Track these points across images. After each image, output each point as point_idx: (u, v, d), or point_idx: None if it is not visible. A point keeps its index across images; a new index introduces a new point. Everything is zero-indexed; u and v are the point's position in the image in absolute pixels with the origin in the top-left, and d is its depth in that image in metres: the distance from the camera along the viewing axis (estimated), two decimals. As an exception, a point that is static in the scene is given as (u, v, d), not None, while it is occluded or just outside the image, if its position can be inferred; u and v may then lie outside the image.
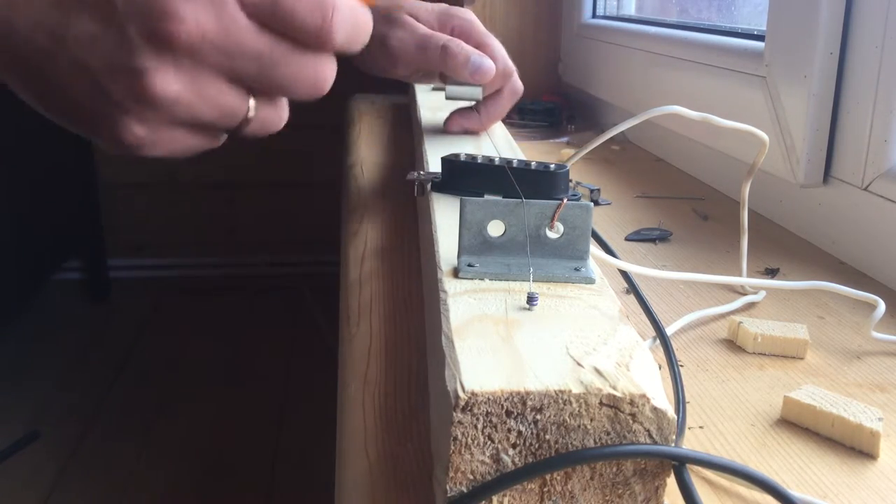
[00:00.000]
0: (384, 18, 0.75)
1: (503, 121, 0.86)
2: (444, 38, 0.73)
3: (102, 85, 0.34)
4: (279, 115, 0.40)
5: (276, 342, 2.22)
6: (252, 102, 0.38)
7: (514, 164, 0.54)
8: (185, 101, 0.35)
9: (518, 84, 0.79)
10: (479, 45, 0.75)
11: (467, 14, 0.78)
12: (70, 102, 0.36)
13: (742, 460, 0.40)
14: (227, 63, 0.35)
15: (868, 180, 0.65)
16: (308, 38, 0.36)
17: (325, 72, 0.38)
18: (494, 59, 0.74)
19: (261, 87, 0.37)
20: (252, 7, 0.35)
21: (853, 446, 0.41)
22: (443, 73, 0.74)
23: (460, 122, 0.78)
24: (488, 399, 0.29)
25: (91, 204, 2.43)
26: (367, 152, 0.99)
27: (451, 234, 0.43)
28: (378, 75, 0.79)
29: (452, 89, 0.75)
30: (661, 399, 0.30)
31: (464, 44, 0.72)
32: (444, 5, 0.79)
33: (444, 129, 0.78)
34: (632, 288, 0.52)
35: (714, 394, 0.47)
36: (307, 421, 1.81)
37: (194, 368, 2.07)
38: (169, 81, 0.34)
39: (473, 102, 0.77)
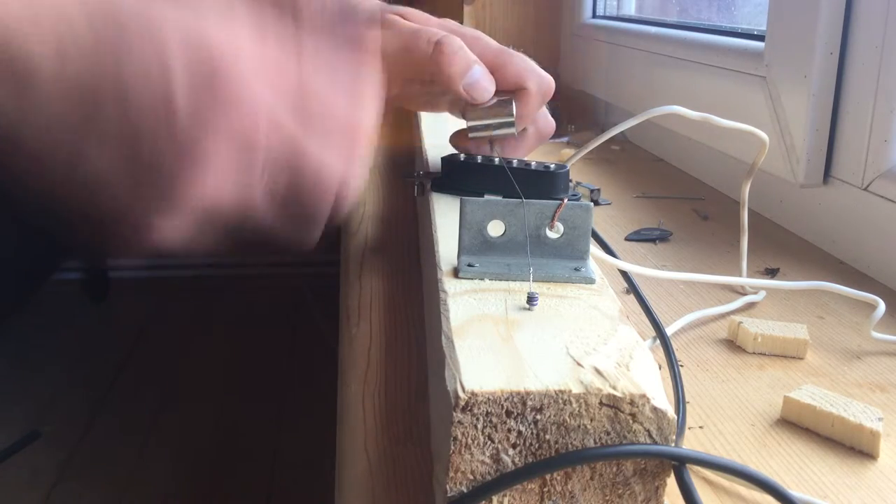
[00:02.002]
0: (365, 20, 0.56)
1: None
2: (438, 33, 0.55)
3: (103, 218, 0.33)
4: (259, 252, 0.41)
5: (276, 342, 2.22)
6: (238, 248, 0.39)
7: (514, 164, 0.54)
8: (179, 246, 0.35)
9: (549, 123, 0.62)
10: (499, 65, 0.57)
11: (476, 32, 0.60)
12: (68, 230, 0.35)
13: (742, 460, 0.40)
14: (232, 223, 0.35)
15: (868, 180, 0.65)
16: (313, 215, 0.37)
17: (314, 236, 0.39)
18: (523, 77, 0.57)
19: (253, 241, 0.38)
20: (273, 180, 0.35)
21: (853, 446, 0.41)
22: (442, 86, 0.56)
23: (513, 154, 0.60)
24: (488, 399, 0.29)
25: (91, 204, 2.43)
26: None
27: (451, 234, 0.43)
28: None
29: (476, 122, 0.57)
30: (661, 399, 0.30)
31: (465, 47, 0.55)
32: (449, 20, 0.62)
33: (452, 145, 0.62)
34: (632, 288, 0.52)
35: (714, 394, 0.47)
36: (307, 421, 1.81)
37: (194, 368, 2.07)
38: (170, 232, 0.34)
39: (507, 131, 0.58)
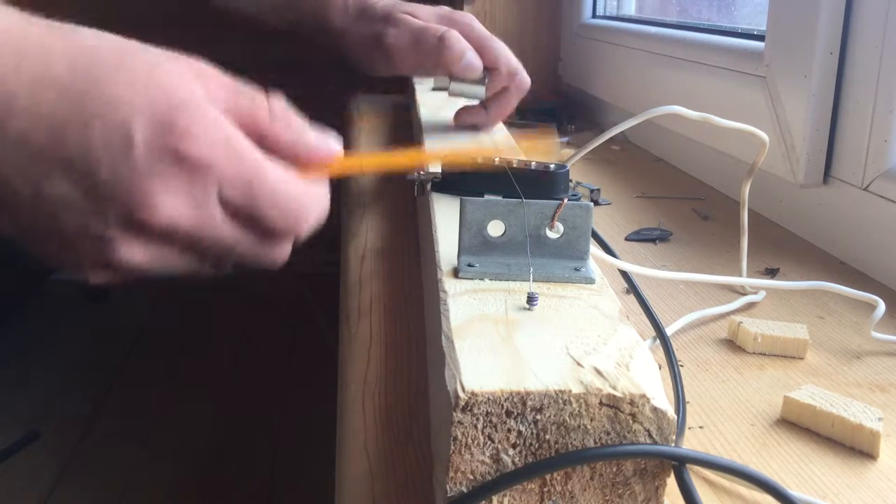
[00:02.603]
0: (381, 18, 0.76)
1: (503, 120, 0.86)
2: (441, 29, 0.73)
3: (71, 241, 0.36)
4: (225, 269, 0.41)
5: (276, 342, 2.22)
6: (207, 266, 0.40)
7: (514, 164, 0.54)
8: (146, 268, 0.37)
9: (525, 81, 0.79)
10: (480, 47, 0.74)
11: (467, 17, 0.78)
12: (38, 242, 0.37)
13: (742, 460, 0.40)
14: (196, 244, 0.37)
15: (868, 180, 0.65)
16: (275, 235, 0.39)
17: (283, 254, 0.41)
18: (497, 60, 0.75)
19: (221, 261, 0.40)
20: (232, 209, 0.37)
21: (853, 446, 0.41)
22: (442, 70, 0.75)
23: (467, 118, 0.79)
24: (488, 399, 0.29)
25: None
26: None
27: (451, 234, 0.43)
28: (377, 75, 0.79)
29: (456, 86, 0.76)
30: (661, 399, 0.30)
31: (462, 38, 0.72)
32: (444, 7, 0.79)
33: (453, 123, 0.79)
34: (632, 288, 0.52)
35: (714, 394, 0.47)
36: (307, 421, 1.81)
37: (194, 368, 2.07)
38: (135, 254, 0.36)
39: (479, 97, 0.77)
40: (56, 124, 0.33)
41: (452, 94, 0.76)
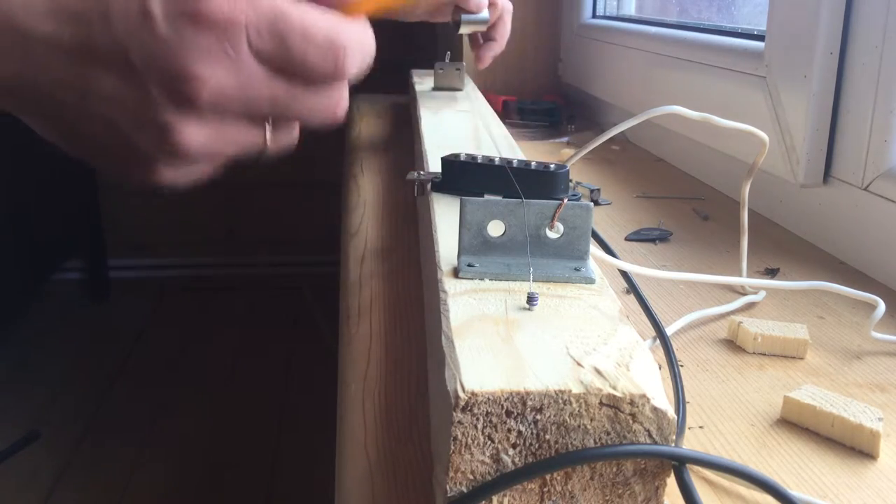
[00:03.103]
0: None
1: (503, 120, 0.86)
2: None
3: (130, 137, 0.35)
4: (292, 138, 0.41)
5: (276, 342, 2.22)
6: (269, 135, 0.39)
7: (514, 164, 0.54)
8: (211, 149, 0.36)
9: (508, 4, 1.01)
10: None
11: None
12: (99, 150, 0.37)
13: (742, 460, 0.40)
14: (247, 109, 0.36)
15: (868, 180, 0.65)
16: (321, 79, 0.37)
17: (339, 102, 0.39)
18: None
19: (279, 122, 0.38)
20: (266, 57, 0.35)
21: (853, 446, 0.41)
22: (456, 8, 0.94)
23: (488, 54, 1.00)
24: (488, 399, 0.29)
25: (91, 204, 2.43)
26: (367, 152, 0.99)
27: (451, 234, 0.43)
28: (405, 19, 0.95)
29: (468, 17, 0.96)
30: (661, 399, 0.30)
31: None
32: None
33: (478, 66, 1.01)
34: (632, 288, 0.52)
35: (714, 394, 0.47)
36: (307, 421, 1.81)
37: (194, 368, 2.07)
38: (194, 134, 0.35)
39: (482, 28, 0.97)
40: (80, 19, 0.33)
41: (465, 21, 0.95)
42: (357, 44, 0.37)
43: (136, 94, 0.34)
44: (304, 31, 0.36)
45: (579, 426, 0.30)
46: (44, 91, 0.34)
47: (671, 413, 0.30)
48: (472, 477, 0.30)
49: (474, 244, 0.41)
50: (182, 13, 0.33)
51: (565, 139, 1.18)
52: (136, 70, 0.34)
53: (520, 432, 0.29)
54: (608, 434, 0.30)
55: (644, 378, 0.30)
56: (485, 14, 0.95)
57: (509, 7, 1.00)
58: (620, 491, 0.31)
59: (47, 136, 0.37)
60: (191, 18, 0.33)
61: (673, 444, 0.30)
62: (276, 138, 0.39)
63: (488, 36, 1.00)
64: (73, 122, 0.35)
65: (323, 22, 0.36)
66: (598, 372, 0.30)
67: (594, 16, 1.41)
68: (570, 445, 0.30)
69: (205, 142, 0.36)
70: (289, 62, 0.36)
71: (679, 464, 0.31)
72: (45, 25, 0.33)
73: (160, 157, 0.36)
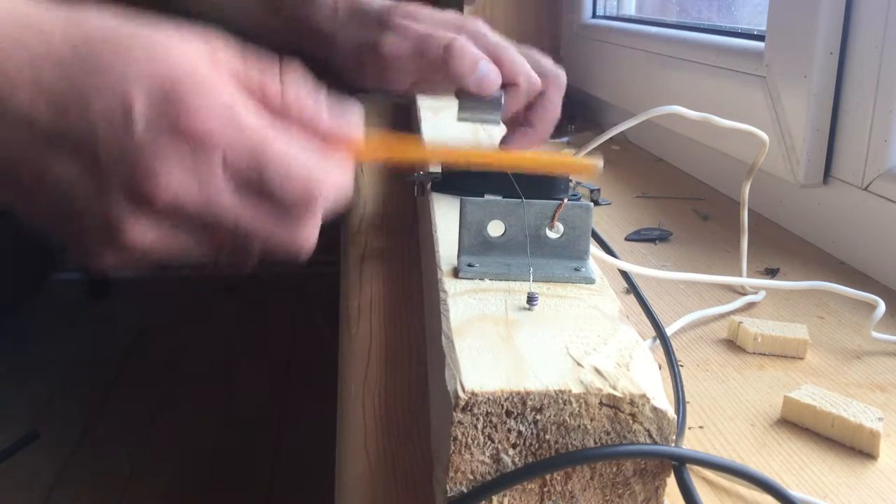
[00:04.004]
0: (376, 21, 0.64)
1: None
2: (448, 36, 0.60)
3: (79, 222, 0.35)
4: (249, 260, 0.39)
5: (276, 342, 2.22)
6: (223, 250, 0.38)
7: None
8: (157, 248, 0.36)
9: (560, 77, 0.67)
10: (495, 58, 0.62)
11: (478, 24, 0.65)
12: (50, 222, 0.36)
13: (742, 460, 0.40)
14: (205, 221, 0.36)
15: (868, 180, 0.65)
16: (292, 212, 0.37)
17: (307, 238, 0.38)
18: (515, 74, 0.62)
19: (238, 241, 0.38)
20: (238, 177, 0.35)
21: (853, 446, 0.41)
22: (451, 84, 0.61)
23: (517, 144, 0.65)
24: (488, 399, 0.29)
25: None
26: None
27: (451, 234, 0.43)
28: (371, 88, 0.66)
29: (466, 105, 0.61)
30: (661, 399, 0.30)
31: (471, 45, 0.60)
32: (451, 12, 0.66)
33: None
34: (632, 288, 0.52)
35: (714, 394, 0.47)
36: (307, 421, 1.81)
37: (194, 368, 2.07)
38: (143, 232, 0.35)
39: (493, 121, 0.62)
40: (57, 101, 0.33)
41: (462, 118, 0.61)
42: (335, 180, 0.37)
43: (95, 185, 0.34)
44: (284, 163, 0.36)
45: (579, 426, 0.30)
46: (4, 163, 0.34)
47: (671, 413, 0.30)
48: (472, 477, 0.30)
49: (474, 244, 0.41)
50: (163, 121, 0.33)
51: (565, 139, 1.18)
52: (99, 163, 0.34)
53: (520, 432, 0.29)
54: (608, 434, 0.30)
55: (644, 378, 0.30)
56: (493, 110, 0.61)
57: (559, 80, 0.66)
58: (620, 491, 0.31)
59: (1, 196, 0.36)
60: (171, 128, 0.34)
61: (673, 444, 0.30)
62: (230, 255, 0.38)
63: (524, 118, 0.64)
64: (27, 194, 0.35)
65: (304, 156, 0.36)
66: (598, 372, 0.30)
67: (594, 16, 1.41)
68: (570, 445, 0.30)
69: (152, 241, 0.36)
70: (262, 189, 0.36)
71: (679, 464, 0.31)
72: (22, 102, 0.33)
73: (105, 246, 0.36)
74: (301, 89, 0.38)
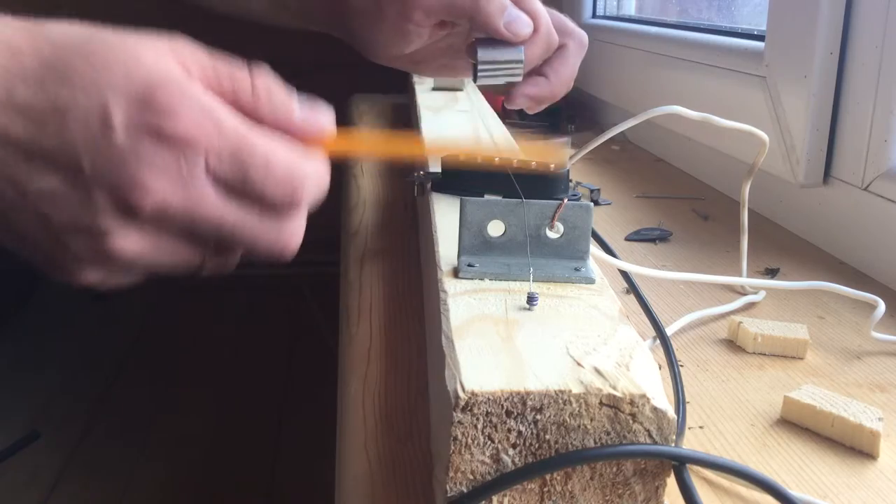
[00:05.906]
0: None
1: (503, 120, 0.86)
2: None
3: (61, 237, 0.35)
4: (231, 262, 0.40)
5: (276, 342, 2.22)
6: (208, 256, 0.38)
7: (515, 164, 0.54)
8: (144, 259, 0.36)
9: (583, 35, 0.63)
10: (517, 4, 0.58)
11: None
12: (27, 244, 0.36)
13: (742, 460, 0.40)
14: (191, 227, 0.36)
15: (868, 180, 0.65)
16: (277, 209, 0.37)
17: (292, 235, 0.38)
18: (538, 18, 0.58)
19: (223, 245, 0.38)
20: (221, 179, 0.35)
21: (853, 446, 0.41)
22: (477, 30, 0.57)
23: (527, 92, 0.60)
24: (488, 399, 0.29)
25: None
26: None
27: (451, 234, 0.43)
28: (384, 54, 0.61)
29: (487, 52, 0.56)
30: (661, 399, 0.30)
31: None
32: None
33: (507, 105, 0.62)
34: (632, 288, 0.52)
35: (714, 394, 0.47)
36: (307, 421, 1.81)
37: (194, 368, 2.07)
38: (130, 242, 0.35)
39: (515, 76, 0.58)
40: (33, 116, 0.33)
41: (483, 74, 0.57)
42: (314, 178, 0.37)
43: (79, 196, 0.34)
44: (266, 162, 0.36)
45: (579, 426, 0.30)
46: None
47: (671, 413, 0.30)
48: (472, 477, 0.30)
49: (474, 244, 0.41)
50: (143, 127, 0.33)
51: (565, 139, 1.18)
52: (83, 173, 0.33)
53: (520, 432, 0.29)
54: (608, 434, 0.30)
55: (644, 378, 0.30)
56: (516, 52, 0.57)
57: (581, 38, 0.63)
58: (620, 491, 0.31)
59: None
60: (151, 133, 0.33)
61: (673, 444, 0.30)
62: (215, 260, 0.38)
63: (537, 69, 0.60)
64: (6, 214, 0.35)
65: (285, 155, 0.36)
66: (598, 372, 0.30)
67: (594, 16, 1.41)
68: (570, 445, 0.30)
69: (139, 251, 0.35)
70: (246, 189, 0.36)
71: (679, 464, 0.31)
72: None
73: (90, 260, 0.35)
74: (272, 90, 0.38)
